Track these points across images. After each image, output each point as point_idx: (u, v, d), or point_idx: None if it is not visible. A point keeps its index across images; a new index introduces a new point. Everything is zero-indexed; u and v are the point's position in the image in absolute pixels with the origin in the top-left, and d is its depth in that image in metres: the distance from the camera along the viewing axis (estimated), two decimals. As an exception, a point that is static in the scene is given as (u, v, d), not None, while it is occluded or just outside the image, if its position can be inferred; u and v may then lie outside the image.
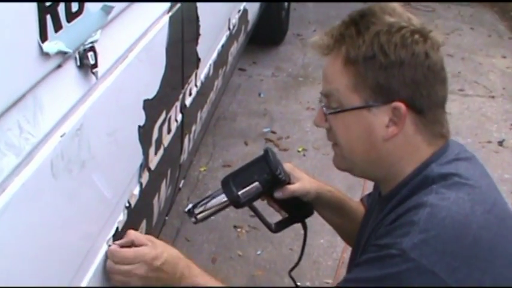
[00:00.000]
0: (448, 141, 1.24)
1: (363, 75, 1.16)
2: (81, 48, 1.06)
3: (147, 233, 1.61)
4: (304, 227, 1.57)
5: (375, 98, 1.16)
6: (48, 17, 0.92)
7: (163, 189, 1.74)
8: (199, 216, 1.46)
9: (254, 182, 1.39)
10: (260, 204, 1.51)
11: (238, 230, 2.86)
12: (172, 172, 1.84)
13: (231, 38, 2.59)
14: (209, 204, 1.44)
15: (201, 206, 1.45)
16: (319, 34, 1.24)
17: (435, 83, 1.18)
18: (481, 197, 1.15)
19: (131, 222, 1.41)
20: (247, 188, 1.39)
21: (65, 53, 0.99)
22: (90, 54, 1.08)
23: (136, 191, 1.46)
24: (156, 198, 1.66)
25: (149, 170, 1.54)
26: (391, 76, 1.15)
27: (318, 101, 1.27)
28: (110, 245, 1.28)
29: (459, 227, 1.08)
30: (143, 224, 1.56)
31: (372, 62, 1.15)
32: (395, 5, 1.22)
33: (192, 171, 3.27)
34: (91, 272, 1.20)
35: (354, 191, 3.08)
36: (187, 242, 2.78)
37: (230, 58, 2.73)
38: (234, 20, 2.61)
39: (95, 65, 1.10)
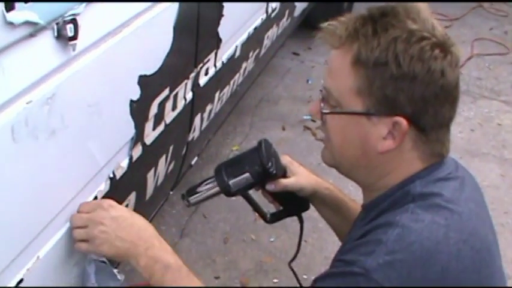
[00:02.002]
0: (443, 159, 1.18)
1: (370, 80, 1.09)
2: (60, 20, 1.09)
3: (138, 205, 1.65)
4: (301, 221, 1.57)
5: (378, 108, 1.10)
6: (18, -12, 0.95)
7: (162, 164, 1.77)
8: (191, 200, 1.48)
9: (245, 172, 1.39)
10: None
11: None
12: (176, 149, 1.86)
13: (268, 21, 2.57)
14: (201, 191, 1.46)
15: (194, 191, 1.47)
16: (333, 21, 1.15)
17: (445, 103, 1.11)
18: (459, 224, 1.08)
19: (115, 193, 1.45)
20: (238, 178, 1.40)
21: (36, 23, 1.01)
22: (69, 26, 1.10)
23: (125, 163, 1.49)
24: (151, 173, 1.69)
25: (143, 144, 1.56)
26: (399, 89, 1.07)
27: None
28: None
29: (427, 254, 1.02)
30: (132, 196, 1.59)
31: (383, 69, 1.07)
32: (422, 7, 1.14)
33: (223, 149, 3.30)
34: (54, 240, 1.24)
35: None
36: (204, 219, 2.81)
37: (267, 41, 2.71)
38: (275, 4, 2.59)
39: (74, 38, 1.12)
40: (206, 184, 1.46)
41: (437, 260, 1.03)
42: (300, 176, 1.49)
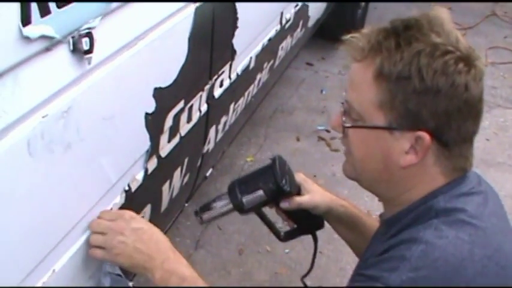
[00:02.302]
0: (466, 173, 1.16)
1: (392, 94, 1.07)
2: (76, 34, 1.09)
3: (153, 217, 1.64)
4: (315, 240, 1.56)
5: (400, 122, 1.08)
6: (34, 3, 0.95)
7: (177, 176, 1.76)
8: (204, 217, 1.47)
9: (259, 189, 1.38)
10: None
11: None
12: (191, 161, 1.86)
13: (283, 33, 2.57)
14: (214, 207, 1.45)
15: (207, 208, 1.46)
16: (355, 33, 1.15)
17: (468, 118, 1.09)
18: (484, 240, 1.07)
19: (130, 206, 1.44)
20: (251, 196, 1.39)
21: (52, 37, 1.01)
22: (85, 40, 1.10)
23: (140, 176, 1.48)
24: (166, 185, 1.68)
25: (158, 156, 1.56)
26: (422, 103, 1.06)
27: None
28: None
29: (452, 270, 1.01)
30: (147, 209, 1.59)
31: (406, 83, 1.06)
32: (446, 18, 1.12)
33: (237, 160, 3.30)
34: (69, 254, 1.24)
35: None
36: (219, 230, 2.80)
37: (281, 52, 2.71)
38: (289, 15, 2.59)
39: (89, 51, 1.12)
40: (219, 201, 1.45)
41: (462, 277, 1.01)
42: (314, 193, 1.48)
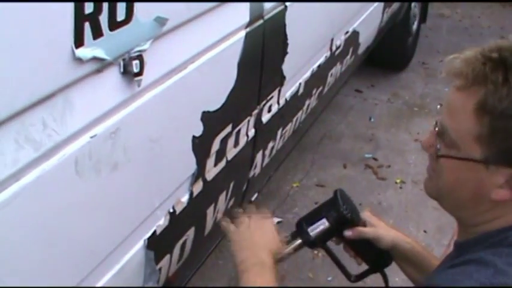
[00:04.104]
0: None
1: (493, 130, 1.03)
2: (126, 56, 1.11)
3: (197, 240, 1.64)
4: (385, 279, 1.53)
5: (497, 158, 1.04)
6: (87, 24, 0.97)
7: (222, 200, 1.76)
8: (278, 258, 1.48)
9: (322, 218, 1.41)
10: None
11: (315, 252, 2.82)
12: (237, 185, 1.86)
13: (332, 59, 2.56)
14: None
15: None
16: (457, 57, 1.09)
17: None
18: None
19: (174, 228, 1.45)
20: (316, 225, 1.42)
21: (103, 59, 1.03)
22: (135, 62, 1.12)
23: (185, 198, 1.49)
24: (210, 208, 1.68)
25: (204, 180, 1.56)
26: None
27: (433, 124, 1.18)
28: None
29: None
30: (191, 231, 1.59)
31: (509, 121, 1.01)
32: None
33: (284, 185, 3.28)
34: (112, 273, 1.25)
35: (443, 233, 2.96)
36: (262, 255, 2.78)
37: (330, 79, 2.70)
38: (339, 42, 2.58)
39: (139, 73, 1.14)
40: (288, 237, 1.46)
41: None
42: (378, 227, 1.46)
